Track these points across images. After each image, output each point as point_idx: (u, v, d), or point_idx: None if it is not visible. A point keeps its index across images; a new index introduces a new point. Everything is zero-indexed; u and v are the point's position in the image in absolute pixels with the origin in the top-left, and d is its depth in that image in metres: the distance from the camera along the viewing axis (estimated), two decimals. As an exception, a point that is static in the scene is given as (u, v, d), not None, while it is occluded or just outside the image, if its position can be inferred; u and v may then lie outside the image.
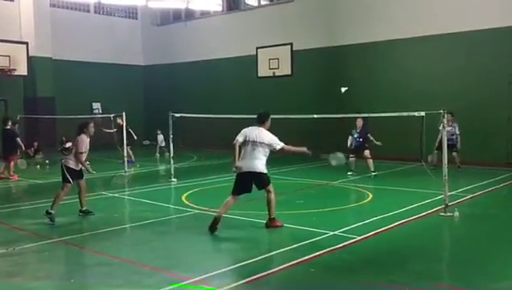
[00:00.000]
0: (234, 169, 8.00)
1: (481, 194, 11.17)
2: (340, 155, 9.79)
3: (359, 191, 11.64)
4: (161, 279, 5.82)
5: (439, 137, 14.27)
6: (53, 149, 19.88)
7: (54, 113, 21.49)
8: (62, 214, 9.02)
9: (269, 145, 7.95)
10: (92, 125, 9.29)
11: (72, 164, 8.94)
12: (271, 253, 6.88)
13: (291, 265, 6.16)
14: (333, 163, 9.57)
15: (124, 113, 15.60)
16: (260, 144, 7.89)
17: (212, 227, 7.75)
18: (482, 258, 6.59)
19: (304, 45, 19.77)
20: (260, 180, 7.93)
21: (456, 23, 16.33)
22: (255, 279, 5.71)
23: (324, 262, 6.39)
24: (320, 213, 9.27)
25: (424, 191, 11.19)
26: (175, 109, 14.17)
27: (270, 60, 20.55)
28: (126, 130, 16.39)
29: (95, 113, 23.39)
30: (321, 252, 6.66)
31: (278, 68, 20.39)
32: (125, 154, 15.96)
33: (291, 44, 19.89)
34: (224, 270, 6.05)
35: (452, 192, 10.19)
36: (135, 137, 17.57)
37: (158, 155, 20.43)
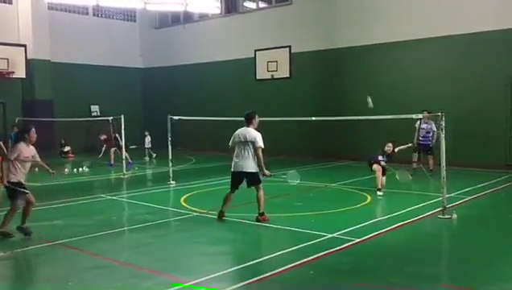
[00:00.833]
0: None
1: (480, 196, 11.18)
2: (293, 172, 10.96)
3: (357, 193, 11.64)
4: (160, 281, 5.81)
5: (416, 135, 14.36)
6: (52, 152, 19.80)
7: (52, 115, 21.51)
8: (59, 217, 8.99)
9: (254, 142, 8.45)
10: (33, 131, 8.38)
11: (13, 178, 7.91)
12: (270, 255, 6.87)
13: (289, 267, 6.16)
14: (290, 180, 10.40)
15: (122, 116, 15.51)
16: (250, 143, 8.48)
17: (220, 217, 8.80)
18: (481, 261, 6.60)
19: (303, 48, 19.82)
20: (252, 179, 8.62)
21: (453, 26, 16.37)
22: (254, 281, 5.71)
23: (323, 264, 6.40)
24: (318, 216, 9.28)
25: (422, 193, 11.18)
26: (173, 112, 14.18)
27: (268, 62, 20.65)
28: (114, 136, 17.28)
29: (93, 116, 23.37)
30: (320, 254, 6.67)
31: (276, 70, 20.50)
32: (124, 157, 16.15)
33: (290, 47, 19.97)
34: (223, 272, 6.06)
35: (451, 194, 10.21)
36: (121, 143, 16.95)
37: (147, 158, 20.04)
